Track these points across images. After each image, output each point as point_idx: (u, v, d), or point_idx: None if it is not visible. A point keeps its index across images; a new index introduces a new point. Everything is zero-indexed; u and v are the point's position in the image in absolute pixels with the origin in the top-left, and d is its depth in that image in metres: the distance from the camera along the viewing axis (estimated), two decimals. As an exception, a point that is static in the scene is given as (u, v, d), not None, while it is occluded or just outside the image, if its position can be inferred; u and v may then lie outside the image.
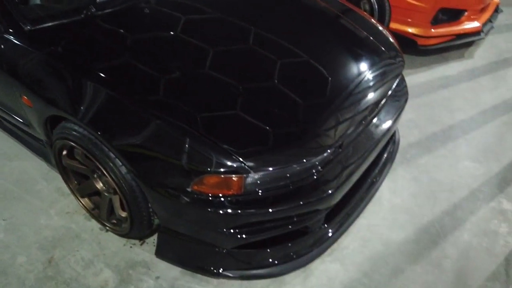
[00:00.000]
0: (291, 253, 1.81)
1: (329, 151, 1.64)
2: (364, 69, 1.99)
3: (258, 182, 1.54)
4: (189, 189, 1.53)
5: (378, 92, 1.94)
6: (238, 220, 1.60)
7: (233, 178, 1.50)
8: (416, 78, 3.38)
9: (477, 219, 2.15)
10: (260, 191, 1.56)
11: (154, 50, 1.87)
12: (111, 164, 1.64)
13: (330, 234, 1.89)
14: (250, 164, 1.48)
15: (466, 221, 2.14)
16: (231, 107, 1.65)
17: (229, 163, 1.46)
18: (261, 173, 1.52)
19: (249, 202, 1.58)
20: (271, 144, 1.57)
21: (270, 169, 1.53)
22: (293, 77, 1.87)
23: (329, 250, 1.90)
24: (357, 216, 2.03)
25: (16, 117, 2.17)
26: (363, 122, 1.82)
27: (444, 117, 2.93)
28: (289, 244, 1.79)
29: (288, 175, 1.58)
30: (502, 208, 2.23)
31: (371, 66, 2.03)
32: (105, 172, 1.70)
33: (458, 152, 2.61)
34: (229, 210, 1.55)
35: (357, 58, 2.07)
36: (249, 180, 1.52)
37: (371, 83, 1.95)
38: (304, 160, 1.59)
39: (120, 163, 1.63)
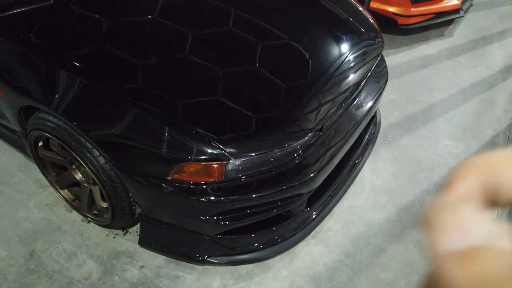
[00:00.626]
0: (275, 237, 1.82)
1: (310, 134, 1.64)
2: (344, 51, 1.97)
3: (239, 168, 1.53)
4: (169, 178, 1.51)
5: (358, 73, 1.94)
6: (220, 207, 1.59)
7: (214, 165, 1.48)
8: (397, 58, 3.38)
9: (456, 197, 2.20)
10: (241, 177, 1.55)
11: (129, 35, 1.81)
12: (89, 155, 1.61)
13: (313, 217, 1.91)
14: (230, 150, 1.47)
15: (446, 199, 2.18)
16: (211, 93, 1.63)
17: (209, 150, 1.45)
18: (242, 159, 1.51)
19: (231, 188, 1.57)
20: (251, 129, 1.55)
21: (251, 155, 1.52)
22: (274, 60, 1.85)
23: (312, 233, 1.92)
24: (340, 198, 2.04)
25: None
26: (344, 104, 1.82)
27: (424, 96, 2.95)
28: (273, 229, 1.80)
29: (269, 160, 1.57)
30: (480, 186, 2.27)
31: (351, 48, 2.01)
32: (82, 163, 1.66)
33: (438, 131, 2.65)
34: (211, 198, 1.54)
35: (338, 40, 2.05)
36: (230, 166, 1.51)
37: (351, 65, 1.94)
38: (285, 145, 1.58)
39: (98, 153, 1.60)
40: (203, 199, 1.54)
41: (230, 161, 1.48)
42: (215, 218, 1.61)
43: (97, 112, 1.57)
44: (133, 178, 1.58)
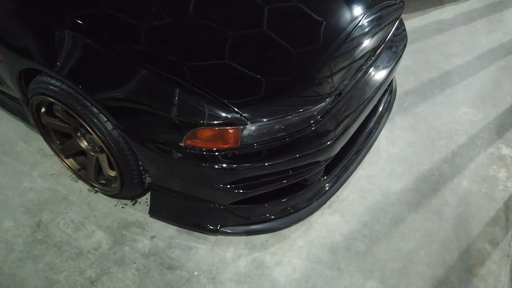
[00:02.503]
0: (290, 207, 1.76)
1: (327, 99, 1.54)
2: (359, 12, 1.84)
3: (255, 134, 1.44)
4: (181, 144, 1.43)
5: (376, 37, 1.82)
6: (235, 175, 1.51)
7: (229, 131, 1.39)
8: (411, 22, 3.23)
9: (476, 166, 2.12)
10: (256, 143, 1.46)
11: None
12: (95, 120, 1.51)
13: (329, 186, 1.83)
14: (246, 114, 1.37)
15: (465, 168, 2.10)
16: (221, 55, 1.51)
17: (224, 115, 1.35)
18: (258, 124, 1.41)
19: (245, 155, 1.48)
20: (267, 93, 1.45)
21: (268, 119, 1.42)
22: (282, 23, 1.73)
23: (328, 202, 1.85)
24: (356, 167, 1.96)
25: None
26: (362, 69, 1.71)
27: (440, 63, 2.83)
28: (288, 198, 1.73)
29: (286, 125, 1.48)
30: (501, 154, 2.20)
31: (368, 9, 1.88)
32: (89, 129, 1.57)
33: (455, 98, 2.54)
34: (225, 165, 1.46)
35: (352, 0, 1.92)
36: (245, 132, 1.42)
37: (368, 28, 1.82)
38: (302, 110, 1.48)
39: (105, 119, 1.51)
40: (217, 167, 1.46)
41: (247, 126, 1.39)
42: (229, 186, 1.54)
43: (103, 75, 1.47)
44: (143, 144, 1.50)
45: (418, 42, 3.02)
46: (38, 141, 2.17)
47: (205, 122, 1.35)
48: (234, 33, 1.60)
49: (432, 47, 2.98)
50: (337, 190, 1.88)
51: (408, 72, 2.71)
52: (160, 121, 1.41)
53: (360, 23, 1.81)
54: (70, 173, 1.99)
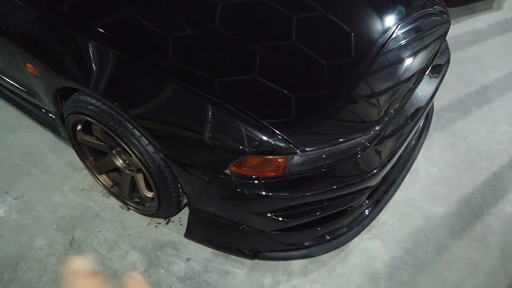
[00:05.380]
0: (330, 233, 1.70)
1: (377, 128, 1.46)
2: (408, 29, 1.76)
3: (302, 162, 1.38)
4: (227, 171, 1.37)
5: (422, 56, 1.74)
6: (278, 203, 1.45)
7: (279, 159, 1.33)
8: (444, 32, 3.13)
9: (520, 190, 2.04)
10: (303, 171, 1.40)
11: (162, 5, 1.62)
12: (136, 143, 1.46)
13: (369, 211, 1.77)
14: (297, 143, 1.31)
15: (509, 192, 2.02)
16: (261, 75, 1.44)
17: (275, 143, 1.29)
18: (307, 153, 1.35)
19: (290, 184, 1.43)
20: (314, 120, 1.39)
21: (316, 148, 1.36)
22: (314, 36, 1.64)
23: (367, 227, 1.79)
24: (396, 189, 1.90)
25: (19, 85, 1.94)
26: (411, 92, 1.63)
27: (476, 76, 2.74)
28: (328, 225, 1.67)
29: (332, 154, 1.42)
30: (545, 177, 2.11)
31: (416, 25, 1.80)
32: (129, 151, 1.52)
33: (494, 115, 2.46)
34: (270, 193, 1.40)
35: (393, 13, 1.82)
36: (294, 161, 1.36)
37: (416, 47, 1.74)
38: (352, 138, 1.42)
39: (147, 142, 1.45)
40: (261, 194, 1.40)
41: (296, 155, 1.33)
42: (271, 215, 1.48)
43: (144, 94, 1.41)
44: (185, 169, 1.44)
45: (453, 53, 2.90)
46: (67, 153, 2.13)
47: (257, 150, 1.30)
48: (264, 46, 1.53)
49: (467, 59, 2.88)
50: (377, 215, 1.82)
51: (443, 86, 2.61)
52: (207, 147, 1.35)
53: (410, 42, 1.72)
54: (102, 188, 1.94)
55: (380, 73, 1.61)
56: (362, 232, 1.78)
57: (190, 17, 1.59)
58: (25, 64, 1.65)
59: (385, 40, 1.69)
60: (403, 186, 2.00)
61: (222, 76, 1.41)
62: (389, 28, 1.73)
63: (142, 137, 1.45)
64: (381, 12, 1.82)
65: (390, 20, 1.79)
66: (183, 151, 1.42)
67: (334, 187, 1.46)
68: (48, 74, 1.59)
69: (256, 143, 1.29)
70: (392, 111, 1.52)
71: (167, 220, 1.87)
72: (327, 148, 1.38)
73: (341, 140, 1.39)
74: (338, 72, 1.54)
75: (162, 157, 1.47)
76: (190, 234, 1.74)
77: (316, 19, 1.73)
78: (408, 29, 1.78)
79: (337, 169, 1.45)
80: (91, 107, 1.50)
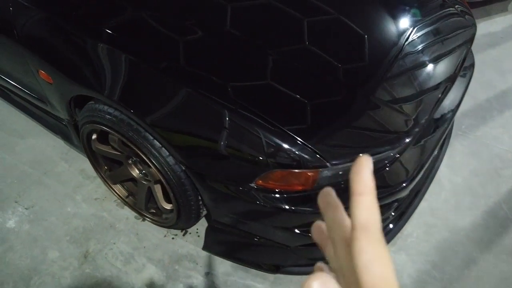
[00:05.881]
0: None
1: (407, 140, 1.39)
2: (428, 31, 1.70)
3: (331, 176, 1.32)
4: (252, 184, 1.31)
5: (450, 59, 1.68)
6: (305, 218, 1.39)
7: (308, 173, 1.26)
8: (460, 35, 3.06)
9: (547, 200, 1.98)
10: (331, 185, 1.33)
11: (174, 8, 1.57)
12: (156, 154, 1.40)
13: (394, 224, 1.71)
14: (327, 156, 1.25)
15: (536, 202, 1.96)
16: (281, 81, 1.37)
17: (305, 156, 1.23)
18: (336, 166, 1.29)
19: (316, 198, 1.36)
20: (342, 129, 1.33)
21: (346, 161, 1.30)
22: (331, 41, 1.58)
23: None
24: (420, 200, 1.83)
25: (29, 91, 1.88)
26: (440, 97, 1.57)
27: (496, 81, 2.67)
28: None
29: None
30: None
31: (443, 28, 1.74)
32: (148, 162, 1.46)
33: (516, 121, 2.39)
34: (296, 207, 1.34)
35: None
36: (323, 174, 1.29)
37: (441, 49, 1.68)
38: (382, 150, 1.35)
39: (167, 153, 1.39)
40: (287, 208, 1.34)
41: (326, 168, 1.27)
42: (298, 230, 1.42)
43: (162, 103, 1.35)
44: (207, 182, 1.38)
45: (470, 57, 2.85)
46: (79, 161, 2.07)
47: (286, 163, 1.23)
48: (287, 55, 1.47)
49: (485, 63, 2.81)
50: (402, 227, 1.75)
51: (462, 91, 2.56)
52: (232, 160, 1.29)
53: (423, 42, 1.66)
54: (115, 197, 1.88)
55: (402, 78, 1.55)
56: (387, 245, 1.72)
57: (203, 20, 1.53)
58: (38, 71, 1.59)
59: (403, 42, 1.62)
60: (427, 196, 1.93)
61: (239, 82, 1.35)
62: (406, 30, 1.66)
63: (163, 148, 1.39)
64: (396, 14, 1.75)
65: (407, 22, 1.72)
66: (206, 163, 1.35)
67: None
68: (63, 81, 1.52)
69: (286, 155, 1.23)
70: (422, 121, 1.45)
71: (184, 231, 1.80)
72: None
73: (371, 152, 1.33)
74: (359, 77, 1.48)
75: (183, 169, 1.41)
76: (209, 246, 1.68)
77: (328, 22, 1.66)
78: (428, 31, 1.71)
79: None
80: (108, 116, 1.44)
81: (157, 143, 1.38)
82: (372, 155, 1.32)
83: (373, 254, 0.33)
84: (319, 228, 0.43)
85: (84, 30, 1.45)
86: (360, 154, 0.38)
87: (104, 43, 1.39)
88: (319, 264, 0.42)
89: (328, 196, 0.41)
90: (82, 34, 1.44)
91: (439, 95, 1.55)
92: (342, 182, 1.33)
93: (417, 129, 1.42)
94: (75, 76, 1.46)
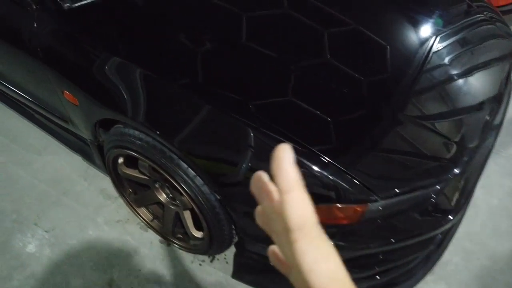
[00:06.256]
0: (391, 280, 1.55)
1: (456, 172, 1.31)
2: (455, 41, 1.62)
3: (379, 210, 1.23)
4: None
5: (490, 75, 1.61)
6: (345, 253, 1.31)
7: (357, 208, 1.19)
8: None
9: None
10: (377, 220, 1.26)
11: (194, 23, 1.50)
12: (190, 182, 1.32)
13: (436, 250, 1.62)
14: (377, 191, 1.17)
15: None
16: (312, 102, 1.29)
17: (355, 191, 1.15)
18: (385, 201, 1.21)
19: (359, 233, 1.28)
20: (397, 166, 1.26)
21: (395, 195, 1.21)
22: (352, 52, 1.50)
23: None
24: (458, 225, 1.75)
25: (51, 110, 1.80)
26: (488, 121, 1.48)
27: (525, 95, 2.58)
28: (390, 272, 1.52)
29: (408, 200, 1.26)
30: None
31: (461, 33, 1.67)
32: (181, 190, 1.38)
33: (550, 138, 2.31)
34: (339, 242, 1.26)
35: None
36: (371, 209, 1.21)
37: (474, 61, 1.62)
38: (430, 184, 1.27)
39: (202, 182, 1.31)
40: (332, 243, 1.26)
41: (375, 203, 1.19)
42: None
43: (194, 128, 1.27)
44: (244, 213, 1.30)
45: (496, 69, 2.77)
46: (99, 180, 2.00)
47: (336, 199, 1.15)
48: (310, 70, 1.39)
49: None
50: (441, 255, 1.67)
51: (492, 106, 2.47)
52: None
53: (451, 53, 1.59)
54: (138, 219, 1.80)
55: (431, 93, 1.47)
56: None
57: (222, 34, 1.47)
58: (63, 92, 1.52)
59: (430, 53, 1.54)
60: (463, 219, 1.85)
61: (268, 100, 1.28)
62: (431, 40, 1.59)
63: (198, 177, 1.31)
64: (421, 22, 1.68)
65: (430, 30, 1.64)
66: (242, 193, 1.27)
67: (403, 237, 1.32)
68: (90, 104, 1.45)
69: (339, 193, 1.15)
70: (471, 148, 1.37)
71: (211, 257, 1.73)
72: (405, 195, 1.23)
73: (416, 186, 1.25)
74: (385, 92, 1.40)
75: (218, 198, 1.33)
76: (239, 275, 1.60)
77: (349, 33, 1.58)
78: (455, 41, 1.64)
79: (409, 217, 1.31)
80: (139, 142, 1.36)
81: (192, 171, 1.30)
82: (421, 188, 1.24)
83: (315, 254, 0.32)
84: (262, 214, 0.39)
85: (107, 50, 1.37)
86: (279, 144, 0.35)
87: (131, 62, 1.31)
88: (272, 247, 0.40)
89: (260, 181, 0.37)
90: (107, 54, 1.37)
91: (487, 118, 1.47)
92: (388, 216, 1.26)
93: (465, 158, 1.34)
94: (105, 100, 1.38)
